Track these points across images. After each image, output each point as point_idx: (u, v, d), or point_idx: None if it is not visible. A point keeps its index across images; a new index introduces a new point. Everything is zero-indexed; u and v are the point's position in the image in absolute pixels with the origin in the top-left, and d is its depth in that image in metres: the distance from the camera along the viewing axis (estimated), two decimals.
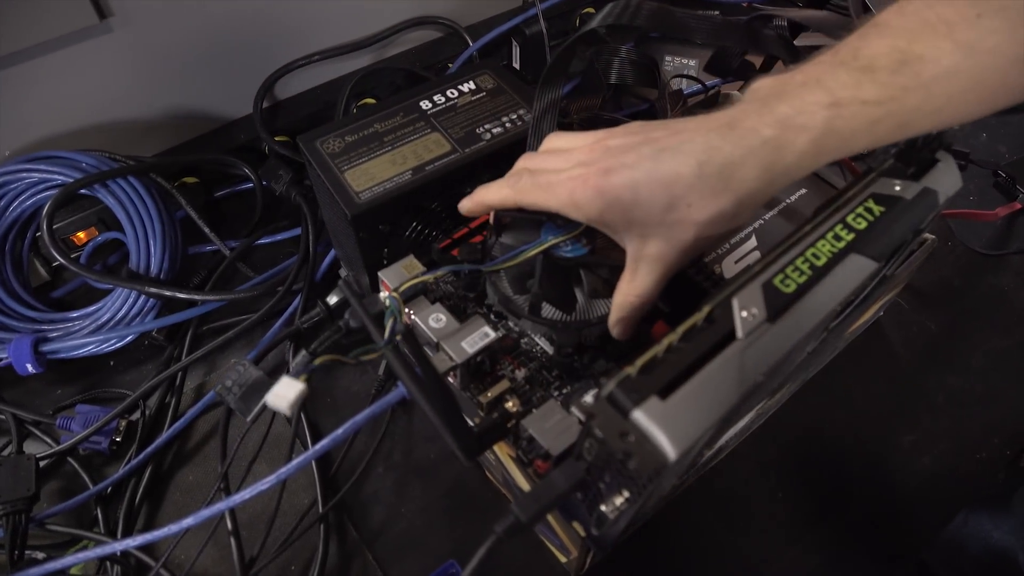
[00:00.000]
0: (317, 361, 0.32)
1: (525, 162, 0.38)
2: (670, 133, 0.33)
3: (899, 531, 0.47)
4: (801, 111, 0.30)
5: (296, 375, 0.31)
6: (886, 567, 0.46)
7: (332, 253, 0.57)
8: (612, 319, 0.37)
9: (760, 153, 0.31)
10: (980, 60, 0.30)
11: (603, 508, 0.32)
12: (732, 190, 0.31)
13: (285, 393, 0.30)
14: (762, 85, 0.32)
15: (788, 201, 0.50)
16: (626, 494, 0.31)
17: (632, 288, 0.35)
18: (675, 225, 0.32)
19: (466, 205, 0.40)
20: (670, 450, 0.26)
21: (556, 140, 0.37)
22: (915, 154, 0.36)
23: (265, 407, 0.40)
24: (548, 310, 0.40)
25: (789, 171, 0.31)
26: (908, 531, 0.47)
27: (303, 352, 0.41)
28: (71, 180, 0.52)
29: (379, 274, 0.42)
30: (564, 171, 0.34)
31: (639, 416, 0.27)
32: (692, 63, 0.66)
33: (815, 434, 0.51)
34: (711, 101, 0.61)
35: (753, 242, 0.47)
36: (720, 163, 0.31)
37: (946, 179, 0.36)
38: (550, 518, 0.40)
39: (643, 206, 0.32)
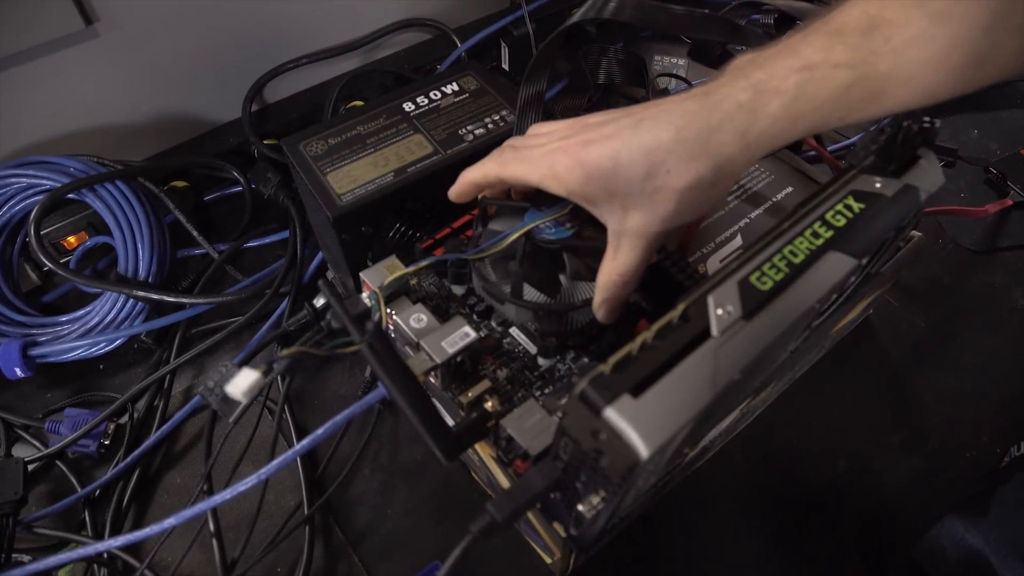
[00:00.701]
0: (284, 353, 0.32)
1: (509, 141, 0.39)
2: (649, 107, 0.33)
3: (889, 529, 0.47)
4: (773, 76, 0.31)
5: (256, 366, 0.31)
6: (876, 566, 0.46)
7: (320, 256, 0.57)
8: (596, 301, 0.37)
9: (736, 117, 0.31)
10: (950, 27, 0.30)
11: (580, 508, 0.32)
12: (710, 155, 0.32)
13: (240, 382, 0.30)
14: (741, 57, 0.33)
15: (775, 199, 0.49)
16: (602, 493, 0.31)
17: (615, 266, 0.35)
18: (655, 193, 0.32)
19: (454, 189, 0.40)
20: (642, 448, 0.26)
21: (539, 127, 0.38)
22: (896, 151, 0.36)
23: (247, 407, 0.40)
24: (531, 293, 0.40)
25: (763, 138, 0.32)
26: (898, 530, 0.47)
27: (273, 345, 0.40)
28: (59, 185, 0.52)
29: (361, 275, 0.42)
30: (545, 145, 0.35)
31: (611, 414, 0.26)
32: (681, 62, 0.66)
33: (804, 433, 0.51)
34: None
35: (739, 240, 0.47)
36: (697, 128, 0.31)
37: (928, 176, 0.36)
38: (533, 519, 0.40)
39: (623, 175, 0.32)
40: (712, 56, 0.60)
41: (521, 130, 0.46)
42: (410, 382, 0.30)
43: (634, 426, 0.26)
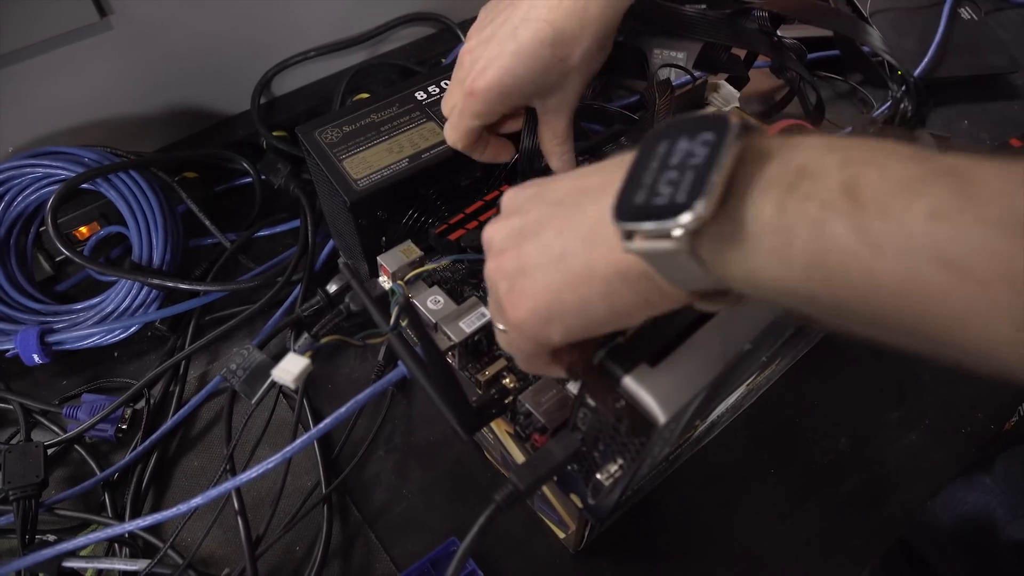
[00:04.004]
0: (324, 340, 0.33)
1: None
2: None
3: (889, 504, 0.49)
4: None
5: (302, 352, 0.32)
6: (877, 539, 0.48)
7: (330, 244, 0.58)
8: (555, 168, 0.43)
9: None
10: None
11: (599, 476, 0.33)
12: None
13: (290, 368, 0.31)
14: None
15: None
16: (620, 461, 0.32)
17: (553, 135, 0.41)
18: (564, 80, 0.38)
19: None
20: (660, 414, 0.27)
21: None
22: (894, 133, 0.38)
23: (270, 389, 0.41)
24: None
25: None
26: (897, 505, 0.49)
27: (305, 334, 0.42)
28: (74, 175, 0.53)
29: (378, 259, 0.43)
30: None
31: (629, 382, 0.28)
32: (680, 55, 0.67)
33: (805, 412, 0.52)
34: (699, 92, 0.63)
35: None
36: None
37: None
38: (548, 493, 0.42)
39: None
40: (719, 62, 0.61)
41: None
42: (437, 357, 0.32)
43: (652, 393, 0.28)
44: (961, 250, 0.17)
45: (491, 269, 0.30)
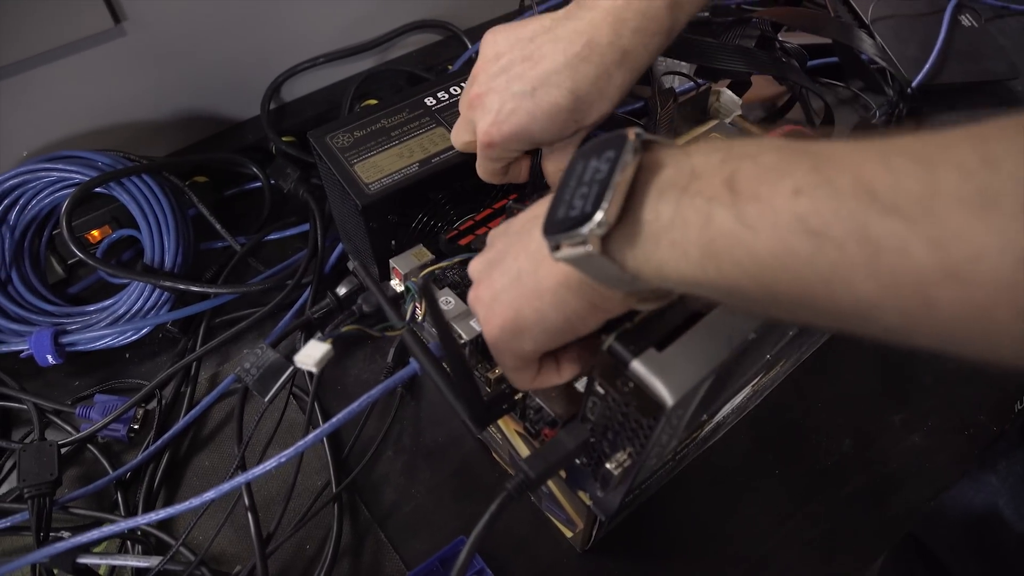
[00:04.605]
0: (345, 328, 0.34)
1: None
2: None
3: (892, 505, 0.49)
4: None
5: (322, 340, 0.33)
6: (880, 539, 0.48)
7: (339, 247, 0.59)
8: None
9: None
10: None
11: (608, 466, 0.34)
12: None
13: (312, 353, 0.32)
14: None
15: None
16: (629, 450, 0.33)
17: (556, 168, 0.42)
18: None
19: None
20: (668, 396, 0.28)
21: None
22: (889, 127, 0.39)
23: (283, 387, 0.42)
24: None
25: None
26: (901, 505, 0.49)
27: (319, 333, 0.43)
28: (88, 179, 0.53)
29: (391, 261, 0.44)
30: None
31: (637, 366, 0.29)
32: (684, 63, 0.68)
33: (809, 413, 0.53)
34: (702, 98, 0.64)
35: None
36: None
37: None
38: (556, 491, 0.42)
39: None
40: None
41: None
42: (454, 346, 0.32)
43: (660, 377, 0.28)
44: (819, 218, 0.19)
45: (472, 299, 0.34)
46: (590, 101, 0.36)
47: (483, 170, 0.43)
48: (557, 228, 0.25)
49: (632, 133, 0.24)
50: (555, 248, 0.25)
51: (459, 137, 0.43)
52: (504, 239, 0.33)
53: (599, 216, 0.23)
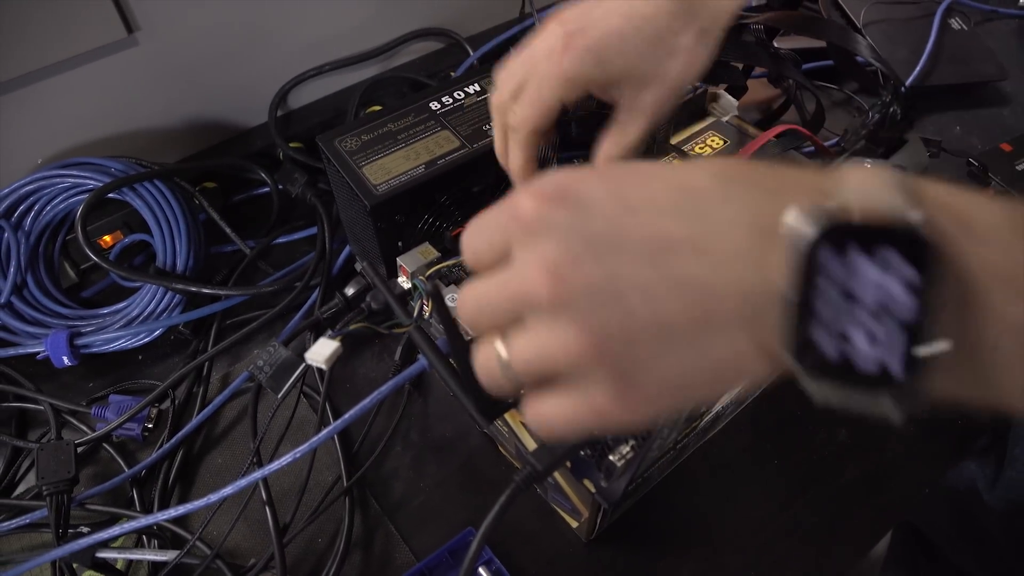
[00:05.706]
0: (353, 326, 0.35)
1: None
2: None
3: (888, 494, 0.50)
4: None
5: (331, 338, 0.34)
6: (876, 527, 0.49)
7: (347, 250, 0.61)
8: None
9: None
10: None
11: (611, 458, 0.35)
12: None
13: (322, 351, 0.33)
14: None
15: None
16: (632, 442, 0.34)
17: (620, 138, 0.37)
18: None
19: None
20: None
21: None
22: (884, 134, 0.40)
23: (295, 383, 0.43)
24: None
25: None
26: (896, 493, 0.51)
27: (329, 330, 0.44)
28: (102, 184, 0.55)
29: (398, 259, 0.45)
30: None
31: None
32: None
33: (807, 405, 0.54)
34: (699, 101, 0.65)
35: None
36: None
37: (914, 156, 0.40)
38: (562, 481, 0.44)
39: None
40: (719, 73, 0.63)
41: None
42: (461, 341, 0.34)
43: None
44: None
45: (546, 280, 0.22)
46: (692, 10, 0.31)
47: (540, 105, 0.35)
48: (825, 371, 0.18)
49: (919, 214, 0.16)
50: (808, 369, 0.18)
51: (511, 78, 0.36)
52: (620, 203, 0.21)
53: (923, 387, 0.17)
